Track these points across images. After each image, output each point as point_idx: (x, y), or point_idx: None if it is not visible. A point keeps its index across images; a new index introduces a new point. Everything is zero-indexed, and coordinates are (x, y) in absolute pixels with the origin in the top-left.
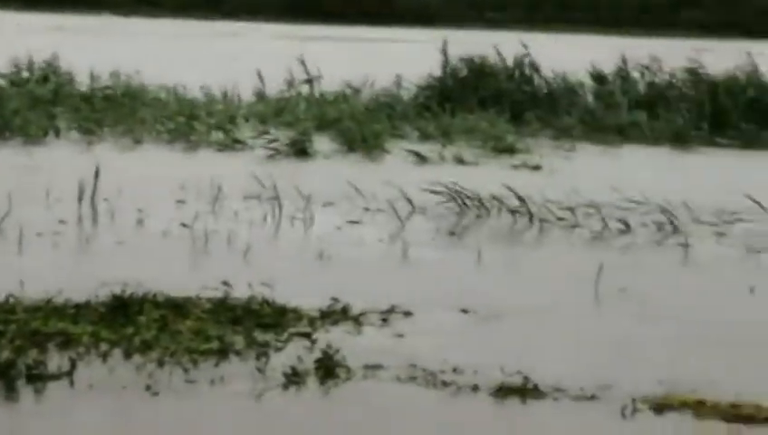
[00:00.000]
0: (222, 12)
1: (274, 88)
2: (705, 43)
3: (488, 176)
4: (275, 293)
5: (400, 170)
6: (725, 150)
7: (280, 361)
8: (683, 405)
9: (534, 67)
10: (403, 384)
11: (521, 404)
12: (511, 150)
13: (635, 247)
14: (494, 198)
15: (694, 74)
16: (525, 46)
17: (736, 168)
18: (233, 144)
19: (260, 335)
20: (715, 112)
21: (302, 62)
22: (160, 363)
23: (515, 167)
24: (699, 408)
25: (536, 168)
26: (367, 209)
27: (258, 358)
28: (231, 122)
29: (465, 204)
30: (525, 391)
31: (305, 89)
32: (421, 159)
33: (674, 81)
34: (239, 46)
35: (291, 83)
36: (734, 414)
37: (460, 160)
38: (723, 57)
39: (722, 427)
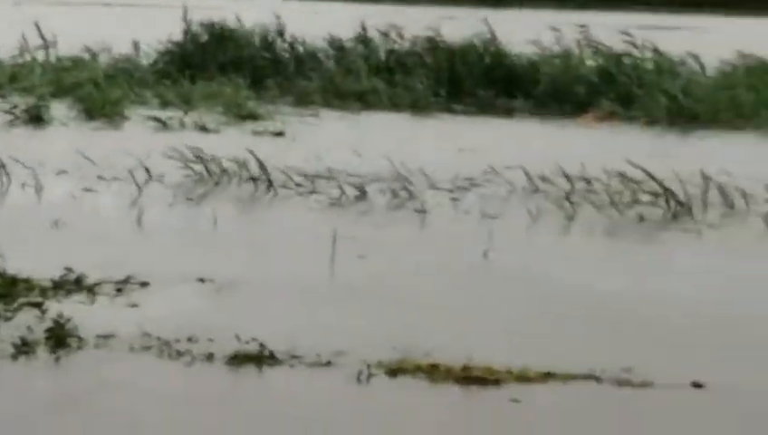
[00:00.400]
0: None
1: (9, 54)
2: (447, 10)
3: (230, 142)
4: (7, 263)
5: (140, 137)
6: (463, 117)
7: (9, 331)
8: (417, 369)
9: (277, 33)
10: (136, 354)
11: (256, 372)
12: (253, 117)
13: (373, 214)
14: (235, 164)
15: (433, 42)
16: (277, 16)
17: (473, 134)
18: None
19: None
20: (452, 79)
21: (38, 27)
22: None
23: (257, 133)
24: (433, 372)
25: (278, 134)
26: (102, 178)
27: None
28: None
29: (205, 171)
30: (261, 358)
31: (41, 54)
32: (162, 125)
33: (414, 48)
34: None
35: (25, 49)
36: (467, 377)
37: (201, 127)
38: (463, 25)
39: (455, 389)
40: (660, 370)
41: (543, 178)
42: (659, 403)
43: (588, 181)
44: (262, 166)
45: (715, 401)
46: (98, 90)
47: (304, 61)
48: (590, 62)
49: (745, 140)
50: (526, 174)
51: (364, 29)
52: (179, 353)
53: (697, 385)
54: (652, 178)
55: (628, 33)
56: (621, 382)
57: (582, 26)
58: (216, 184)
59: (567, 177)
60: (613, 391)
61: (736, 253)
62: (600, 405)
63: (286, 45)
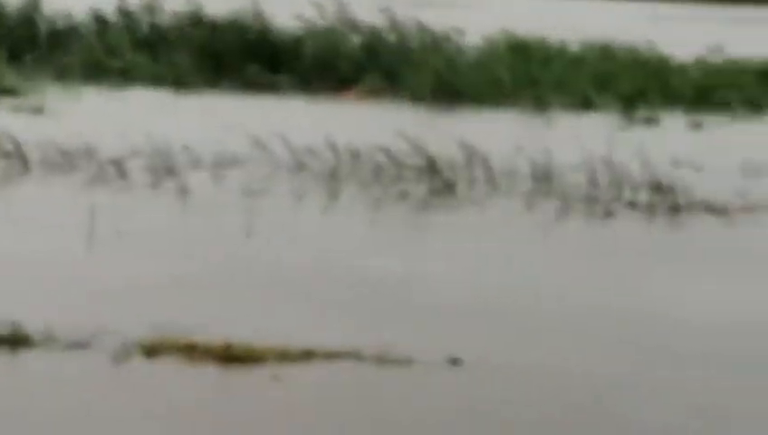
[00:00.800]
0: None
1: None
2: None
3: None
4: None
5: None
6: (227, 93)
7: None
8: (176, 349)
9: (34, 6)
10: None
11: (10, 354)
12: (11, 92)
13: (133, 191)
14: None
15: (195, 17)
16: None
17: (237, 110)
18: None
19: None
20: (216, 55)
21: None
22: None
23: (16, 109)
24: (192, 351)
25: (37, 110)
26: None
27: None
28: None
29: None
30: (15, 340)
31: None
32: None
33: (177, 23)
34: None
35: None
36: (226, 356)
37: None
38: None
39: (215, 369)
40: (419, 347)
41: (308, 155)
42: (418, 380)
43: (353, 158)
44: (17, 142)
45: (472, 377)
46: None
47: (65, 35)
48: (354, 39)
49: (507, 118)
50: (291, 151)
51: (125, 2)
52: None
53: (455, 361)
54: (417, 154)
55: (391, 10)
56: (381, 360)
57: (342, 1)
58: None
59: (331, 153)
60: (373, 369)
61: (498, 230)
62: (361, 382)
63: (46, 19)
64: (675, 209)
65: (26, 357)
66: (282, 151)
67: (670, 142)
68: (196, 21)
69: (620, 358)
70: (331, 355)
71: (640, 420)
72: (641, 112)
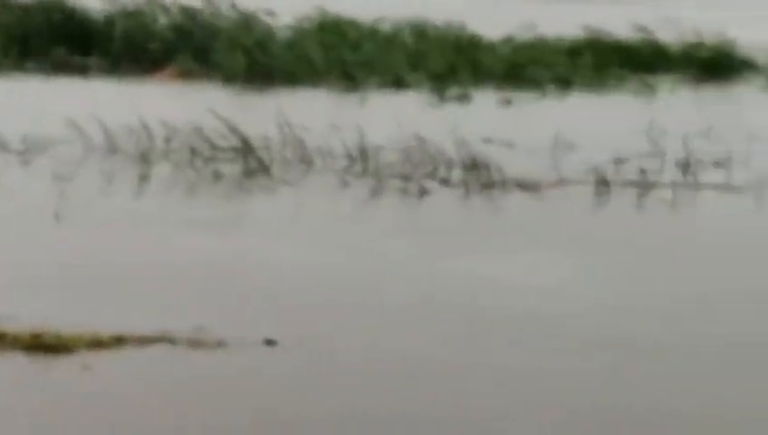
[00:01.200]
0: None
1: None
2: None
3: None
4: None
5: None
6: (35, 76)
7: None
8: None
9: None
10: None
11: None
12: None
13: None
14: None
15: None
16: None
17: (46, 93)
18: None
19: None
20: (23, 37)
21: None
22: None
23: None
24: (0, 340)
25: None
26: None
27: None
28: None
29: None
30: None
31: None
32: None
33: None
34: None
35: None
36: (35, 345)
37: None
38: None
39: (22, 358)
40: (234, 329)
41: (120, 138)
42: (233, 362)
43: (166, 139)
44: None
45: (288, 358)
46: None
47: None
48: (165, 19)
49: (320, 97)
50: (103, 133)
51: None
52: None
53: (270, 342)
54: (231, 134)
55: None
56: (195, 343)
57: None
58: None
59: (144, 135)
60: (187, 352)
61: (312, 210)
62: (174, 367)
63: None
64: (488, 186)
65: None
66: (93, 134)
67: (482, 119)
68: (1, 3)
69: (433, 338)
70: (143, 341)
71: (448, 400)
72: (453, 90)
